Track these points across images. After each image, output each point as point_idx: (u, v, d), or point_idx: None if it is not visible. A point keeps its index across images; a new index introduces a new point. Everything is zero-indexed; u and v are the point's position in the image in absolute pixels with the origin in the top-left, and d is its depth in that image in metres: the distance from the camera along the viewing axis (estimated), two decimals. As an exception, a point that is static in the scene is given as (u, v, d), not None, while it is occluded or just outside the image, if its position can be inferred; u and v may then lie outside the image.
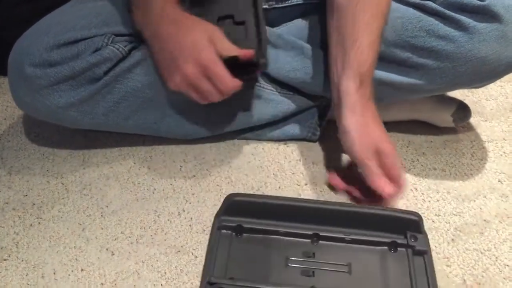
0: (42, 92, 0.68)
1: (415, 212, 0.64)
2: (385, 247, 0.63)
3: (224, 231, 0.64)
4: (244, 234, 0.64)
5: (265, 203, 0.64)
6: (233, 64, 0.63)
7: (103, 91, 0.70)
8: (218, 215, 0.65)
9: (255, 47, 0.64)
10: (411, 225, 0.62)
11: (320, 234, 0.63)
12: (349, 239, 0.63)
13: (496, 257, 0.64)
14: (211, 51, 0.62)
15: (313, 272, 0.60)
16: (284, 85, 0.77)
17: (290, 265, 0.61)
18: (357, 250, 0.62)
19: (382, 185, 0.64)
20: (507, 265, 0.63)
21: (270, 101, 0.77)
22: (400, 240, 0.62)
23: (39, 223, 0.68)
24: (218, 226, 0.64)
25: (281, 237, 0.64)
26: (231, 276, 0.59)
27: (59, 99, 0.69)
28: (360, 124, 0.65)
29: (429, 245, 0.62)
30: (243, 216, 0.64)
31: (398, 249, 0.62)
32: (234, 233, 0.64)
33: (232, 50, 0.62)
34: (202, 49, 0.62)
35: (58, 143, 0.79)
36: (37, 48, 0.67)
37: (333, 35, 0.67)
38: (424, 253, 0.61)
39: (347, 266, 0.61)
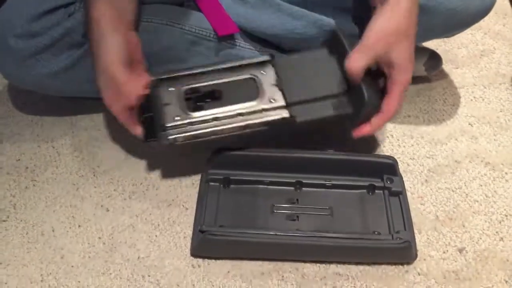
0: (26, 62, 0.70)
1: (391, 156, 0.68)
2: (364, 190, 0.67)
3: (212, 183, 0.67)
4: (232, 185, 0.67)
5: (249, 155, 0.67)
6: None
7: (85, 58, 0.71)
8: (206, 169, 0.68)
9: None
10: (387, 168, 0.67)
11: (303, 181, 0.67)
12: (329, 184, 0.67)
13: (466, 194, 0.69)
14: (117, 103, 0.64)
15: (297, 216, 0.64)
16: (263, 43, 0.79)
17: (275, 211, 0.65)
18: (337, 194, 0.66)
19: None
20: (477, 201, 0.68)
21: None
22: (377, 183, 0.66)
23: (34, 185, 0.71)
24: (206, 179, 0.67)
25: (266, 186, 0.67)
26: (221, 224, 0.63)
27: (43, 68, 0.70)
28: (396, 21, 0.61)
29: (404, 186, 0.67)
30: (229, 169, 0.67)
31: (376, 191, 0.66)
32: (222, 185, 0.67)
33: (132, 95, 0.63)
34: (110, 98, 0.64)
35: (45, 109, 0.81)
36: (19, 20, 0.68)
37: None
38: (400, 194, 0.65)
39: (328, 209, 0.65)
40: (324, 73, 0.67)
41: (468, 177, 0.71)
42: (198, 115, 0.65)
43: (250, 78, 0.68)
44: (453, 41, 0.91)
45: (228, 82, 0.68)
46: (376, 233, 0.62)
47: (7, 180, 0.72)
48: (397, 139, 0.76)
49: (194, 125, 0.65)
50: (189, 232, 0.65)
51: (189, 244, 0.64)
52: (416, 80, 0.84)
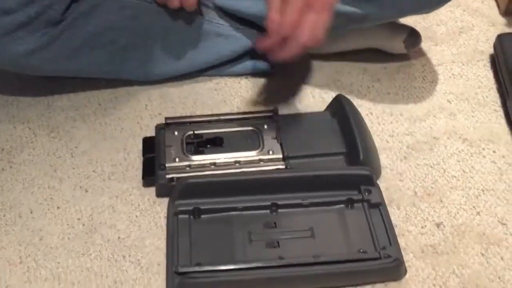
0: (0, 40, 0.68)
1: (366, 167, 0.65)
2: (342, 205, 0.63)
3: (182, 215, 0.62)
4: (202, 216, 0.62)
5: (218, 182, 0.64)
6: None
7: (62, 36, 0.70)
8: (172, 201, 0.63)
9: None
10: (363, 179, 0.64)
11: (278, 203, 0.63)
12: (307, 203, 0.63)
13: (444, 170, 0.70)
14: None
15: (278, 242, 0.60)
16: (241, 21, 0.79)
17: (254, 239, 0.60)
18: (316, 213, 0.63)
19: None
20: (454, 176, 0.69)
21: (229, 37, 0.79)
22: (355, 196, 0.63)
23: (10, 167, 0.70)
24: (174, 212, 0.62)
25: (240, 212, 0.63)
26: (197, 262, 0.57)
27: (18, 47, 0.68)
28: None
29: (383, 197, 0.64)
30: (198, 197, 0.62)
31: (355, 204, 0.63)
32: (192, 216, 0.62)
33: None
34: None
35: (21, 89, 0.79)
36: None
37: None
38: (379, 205, 0.63)
39: (309, 230, 0.61)
40: (324, 132, 0.70)
41: (446, 153, 0.72)
42: (197, 158, 0.68)
43: (252, 130, 0.71)
44: (432, 18, 0.92)
45: (231, 131, 0.71)
46: (361, 251, 0.59)
47: (-18, 162, 0.71)
48: (376, 117, 0.77)
49: (192, 168, 0.67)
50: (170, 211, 0.65)
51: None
52: (395, 57, 0.84)
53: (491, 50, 0.86)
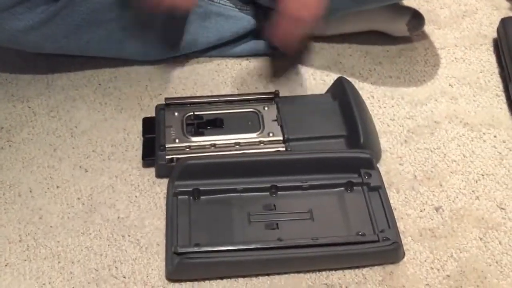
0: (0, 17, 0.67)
1: (366, 150, 0.64)
2: (342, 188, 0.63)
3: (181, 196, 0.62)
4: (202, 197, 0.62)
5: (218, 163, 0.64)
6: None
7: (62, 13, 0.69)
8: (172, 182, 0.62)
9: None
10: (363, 163, 0.63)
11: (278, 185, 0.62)
12: (306, 185, 0.63)
13: (445, 154, 0.70)
14: None
15: (277, 224, 0.60)
16: (243, 1, 0.78)
17: (253, 221, 0.60)
18: (315, 195, 0.63)
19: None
20: (454, 161, 0.69)
21: (230, 18, 0.78)
22: (355, 179, 0.63)
23: (9, 145, 0.70)
24: (174, 192, 0.62)
25: (239, 194, 0.62)
26: (196, 242, 0.58)
27: (18, 22, 0.68)
28: None
29: (382, 180, 0.64)
30: (198, 179, 0.62)
31: (354, 187, 0.63)
32: (191, 197, 0.62)
33: None
34: None
35: (20, 67, 0.78)
36: None
37: None
38: (379, 188, 0.63)
39: (308, 212, 0.61)
40: (325, 115, 0.70)
41: (446, 138, 0.72)
42: (197, 140, 0.67)
43: (253, 111, 0.70)
44: (436, 1, 0.91)
45: (231, 113, 0.70)
46: (360, 233, 0.59)
47: (-18, 140, 0.70)
48: (377, 100, 0.76)
49: (192, 149, 0.67)
50: (169, 192, 0.65)
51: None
52: (398, 40, 0.84)
53: (495, 34, 0.85)
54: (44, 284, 0.57)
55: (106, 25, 0.73)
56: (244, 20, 0.78)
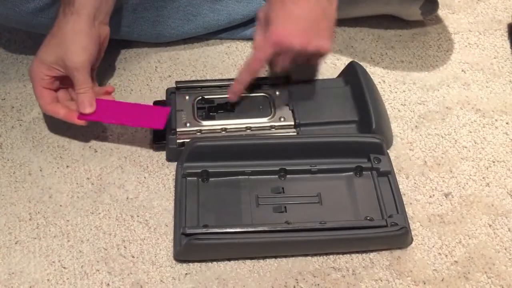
0: None
1: (377, 135, 0.64)
2: (351, 173, 0.63)
3: (190, 178, 0.62)
4: (211, 179, 0.62)
5: (227, 145, 0.63)
6: None
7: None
8: (181, 163, 0.62)
9: None
10: (373, 148, 0.63)
11: (287, 168, 0.62)
12: (315, 169, 0.63)
13: (456, 140, 0.69)
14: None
15: (285, 207, 0.60)
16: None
17: (261, 203, 0.60)
18: (324, 180, 0.63)
19: None
20: (465, 147, 0.69)
21: (241, 1, 0.78)
22: (364, 164, 0.63)
23: (20, 125, 0.70)
24: (182, 173, 0.62)
25: (248, 176, 0.62)
26: (204, 224, 0.58)
27: (28, 4, 0.68)
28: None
29: (392, 165, 0.63)
30: (207, 161, 0.62)
31: (363, 172, 0.63)
32: (200, 179, 0.62)
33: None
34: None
35: (30, 47, 0.78)
36: None
37: None
38: (388, 173, 0.62)
39: (316, 196, 0.61)
40: (337, 100, 0.69)
41: (458, 124, 0.71)
42: (208, 124, 0.67)
43: (264, 96, 0.70)
44: (451, -15, 0.89)
45: (242, 97, 0.69)
46: (368, 218, 0.59)
47: (-8, 119, 0.71)
48: (389, 85, 0.76)
49: (203, 133, 0.66)
50: (178, 174, 0.65)
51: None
52: (410, 24, 0.83)
53: (509, 20, 0.83)
54: (53, 262, 0.58)
55: (116, 7, 0.72)
56: (255, 3, 0.78)
